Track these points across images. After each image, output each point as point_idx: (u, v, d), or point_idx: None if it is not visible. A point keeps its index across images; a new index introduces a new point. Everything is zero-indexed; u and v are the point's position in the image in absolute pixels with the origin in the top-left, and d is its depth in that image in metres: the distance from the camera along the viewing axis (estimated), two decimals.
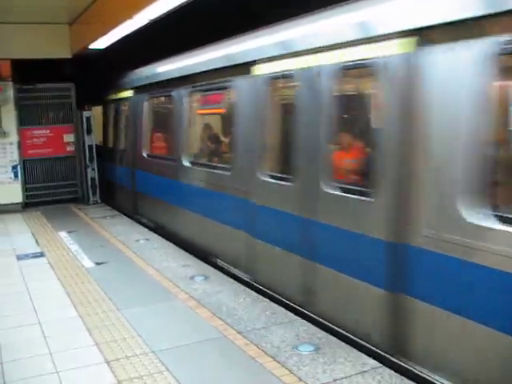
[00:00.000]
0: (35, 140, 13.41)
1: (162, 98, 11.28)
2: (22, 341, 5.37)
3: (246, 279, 6.97)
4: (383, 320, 4.79)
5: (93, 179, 13.50)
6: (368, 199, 4.91)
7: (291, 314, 5.77)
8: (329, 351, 4.86)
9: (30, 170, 13.44)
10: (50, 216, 11.94)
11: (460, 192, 3.98)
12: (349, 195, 5.20)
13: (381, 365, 4.56)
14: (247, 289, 6.64)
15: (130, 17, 8.33)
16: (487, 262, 3.80)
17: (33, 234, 10.11)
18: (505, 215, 3.78)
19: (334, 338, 5.12)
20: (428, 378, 4.31)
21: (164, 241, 9.28)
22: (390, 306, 4.70)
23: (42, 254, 8.61)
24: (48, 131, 13.53)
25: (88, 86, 13.84)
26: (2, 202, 12.71)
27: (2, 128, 12.54)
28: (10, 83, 12.55)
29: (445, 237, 4.11)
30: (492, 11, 3.72)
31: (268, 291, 6.47)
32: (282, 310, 5.92)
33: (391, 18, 4.69)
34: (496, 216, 3.82)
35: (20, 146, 13.04)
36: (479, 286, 3.91)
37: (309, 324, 5.48)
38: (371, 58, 4.82)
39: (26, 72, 12.70)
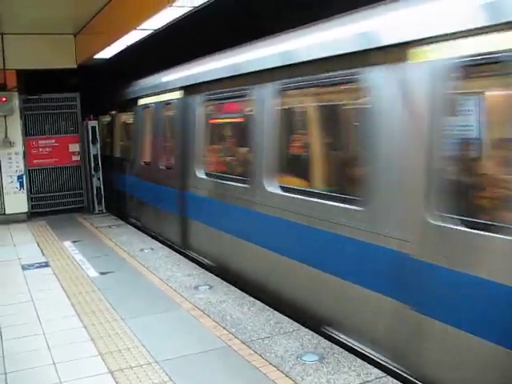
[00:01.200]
0: (41, 150, 13.48)
1: None
2: (27, 351, 5.37)
3: None
4: None
5: (98, 189, 13.52)
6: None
7: (296, 324, 5.76)
8: (333, 361, 4.84)
9: (35, 180, 13.50)
10: (56, 225, 11.96)
11: None
12: None
13: (385, 374, 4.54)
14: (252, 298, 6.63)
15: (134, 27, 8.40)
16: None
17: (38, 244, 10.13)
18: None
19: (339, 348, 5.10)
20: None
21: (169, 250, 9.27)
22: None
23: (46, 264, 8.62)
24: (53, 141, 13.59)
25: (93, 96, 13.93)
26: (8, 211, 12.77)
27: (7, 138, 12.59)
28: (16, 93, 12.60)
29: None
30: None
31: None
32: (287, 319, 5.90)
33: None
34: None
35: (25, 155, 13.10)
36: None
37: (313, 333, 5.46)
38: None
39: (32, 82, 12.79)
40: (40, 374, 4.87)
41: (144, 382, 4.61)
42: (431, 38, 4.22)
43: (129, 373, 4.78)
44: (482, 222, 3.98)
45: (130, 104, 12.22)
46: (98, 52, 11.34)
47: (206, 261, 8.46)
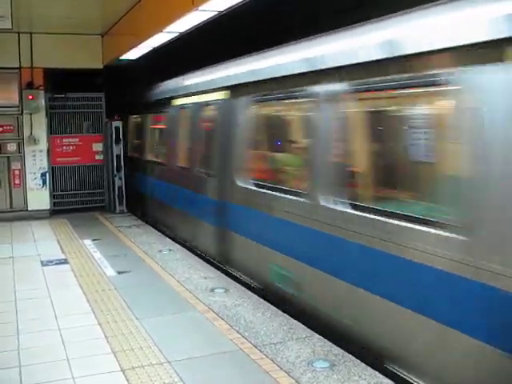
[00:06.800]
0: (64, 148, 13.63)
1: None
2: (41, 346, 5.44)
3: None
4: None
5: (120, 188, 13.61)
6: None
7: (309, 330, 5.75)
8: (344, 368, 4.82)
9: (58, 178, 13.64)
10: (76, 223, 12.07)
11: None
12: None
13: None
14: (267, 303, 6.64)
15: (159, 30, 8.48)
16: None
17: (58, 241, 10.25)
18: None
19: (350, 355, 5.08)
20: None
21: (187, 252, 9.31)
22: None
23: (65, 261, 8.71)
24: (77, 140, 13.74)
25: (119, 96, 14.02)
26: (30, 208, 12.95)
27: (32, 135, 12.78)
28: (42, 92, 12.79)
29: None
30: None
31: None
32: (300, 325, 5.90)
33: None
34: None
35: (49, 153, 13.27)
36: None
37: (325, 340, 5.45)
38: None
39: (58, 81, 12.96)
40: (53, 369, 4.93)
41: (155, 381, 4.64)
42: None
43: (140, 372, 4.82)
44: None
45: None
46: (124, 53, 11.46)
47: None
